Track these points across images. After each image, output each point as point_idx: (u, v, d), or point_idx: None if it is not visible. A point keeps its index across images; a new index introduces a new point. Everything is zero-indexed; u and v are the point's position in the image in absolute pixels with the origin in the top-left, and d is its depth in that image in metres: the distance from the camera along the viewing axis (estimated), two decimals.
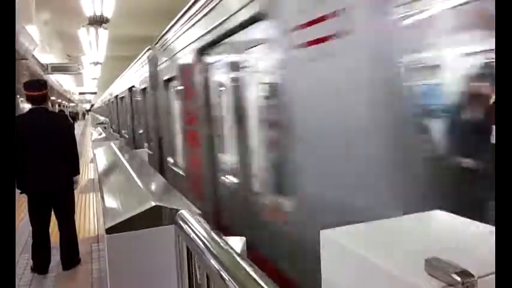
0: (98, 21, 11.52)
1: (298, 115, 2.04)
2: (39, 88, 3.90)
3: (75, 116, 32.37)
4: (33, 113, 3.87)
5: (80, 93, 50.88)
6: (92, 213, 6.16)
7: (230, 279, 1.18)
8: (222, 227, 3.30)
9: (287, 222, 2.24)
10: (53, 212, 3.98)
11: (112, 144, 6.48)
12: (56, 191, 3.87)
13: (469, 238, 1.06)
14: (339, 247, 1.10)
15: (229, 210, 3.42)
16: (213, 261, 1.32)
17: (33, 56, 15.53)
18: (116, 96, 13.93)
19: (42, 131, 3.78)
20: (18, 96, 12.44)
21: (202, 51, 3.60)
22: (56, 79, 26.16)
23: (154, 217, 2.15)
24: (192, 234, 1.59)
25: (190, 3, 3.70)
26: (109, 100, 18.57)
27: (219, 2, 3.08)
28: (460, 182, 1.40)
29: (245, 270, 1.20)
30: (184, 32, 4.08)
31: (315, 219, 1.86)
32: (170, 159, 5.37)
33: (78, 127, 23.65)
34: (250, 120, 2.99)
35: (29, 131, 3.73)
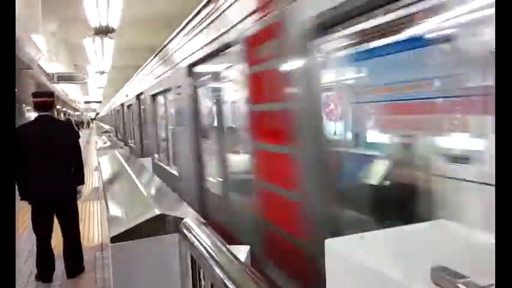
0: (103, 31, 11.61)
1: None
2: (45, 95, 4.03)
3: (78, 124, 32.67)
4: (39, 121, 3.91)
5: (85, 102, 51.20)
6: (96, 221, 6.17)
7: None
8: None
9: None
10: (57, 221, 3.99)
11: (116, 152, 6.50)
12: (58, 198, 3.89)
13: (474, 247, 1.06)
14: (344, 256, 1.10)
15: None
16: (217, 270, 1.32)
17: (38, 65, 15.68)
18: (139, 97, 8.41)
19: (48, 138, 3.81)
20: (24, 105, 12.54)
21: None
22: (61, 88, 26.37)
23: (158, 225, 2.15)
24: (196, 243, 1.59)
25: None
26: (122, 105, 13.14)
27: None
28: None
29: (249, 278, 1.20)
30: None
31: None
32: None
33: (83, 136, 23.78)
34: None
35: (35, 138, 3.76)
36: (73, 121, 27.58)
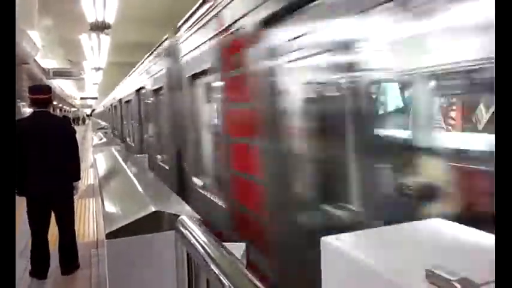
0: (99, 27, 11.54)
1: None
2: (43, 92, 3.96)
3: (74, 120, 32.68)
4: (37, 117, 3.88)
5: (81, 98, 51.00)
6: (91, 218, 6.15)
7: (230, 285, 1.18)
8: None
9: None
10: (52, 217, 3.97)
11: (112, 149, 6.48)
12: (57, 194, 3.88)
13: (470, 246, 1.06)
14: (340, 255, 1.10)
15: None
16: (213, 267, 1.32)
17: (34, 60, 15.60)
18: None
19: (45, 134, 3.79)
20: (19, 101, 12.47)
21: None
22: (57, 84, 26.26)
23: (154, 222, 2.15)
24: (193, 240, 1.58)
25: None
26: (125, 101, 10.55)
27: None
28: None
29: (245, 276, 1.20)
30: None
31: None
32: None
33: (79, 132, 23.70)
34: None
35: (32, 134, 3.74)
36: (70, 117, 27.51)
